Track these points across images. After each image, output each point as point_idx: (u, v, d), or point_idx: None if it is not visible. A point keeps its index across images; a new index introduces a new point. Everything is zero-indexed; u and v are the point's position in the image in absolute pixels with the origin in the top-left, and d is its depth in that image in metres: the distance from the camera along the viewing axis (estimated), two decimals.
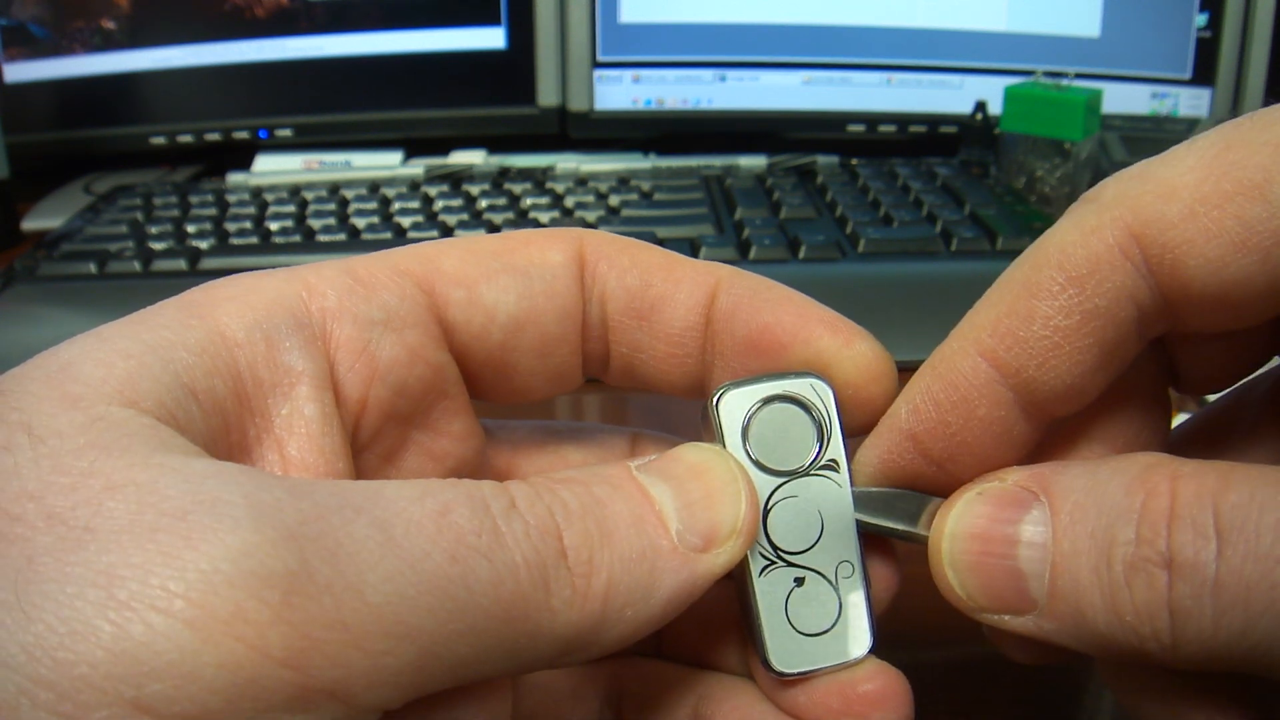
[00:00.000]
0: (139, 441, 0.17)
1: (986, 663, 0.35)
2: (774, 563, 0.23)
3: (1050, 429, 0.22)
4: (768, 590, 0.23)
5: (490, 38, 0.84)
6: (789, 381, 0.23)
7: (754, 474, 0.22)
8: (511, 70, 0.85)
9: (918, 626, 0.23)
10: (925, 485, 0.23)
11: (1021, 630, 0.20)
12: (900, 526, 0.23)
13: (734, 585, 0.23)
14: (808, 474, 0.23)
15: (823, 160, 0.78)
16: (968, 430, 0.21)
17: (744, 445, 0.23)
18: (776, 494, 0.23)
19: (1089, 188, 0.21)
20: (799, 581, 0.23)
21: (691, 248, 0.63)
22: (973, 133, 0.78)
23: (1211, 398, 0.25)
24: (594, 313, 0.24)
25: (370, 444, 0.23)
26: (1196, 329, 0.21)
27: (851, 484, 0.23)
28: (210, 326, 0.20)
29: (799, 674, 0.23)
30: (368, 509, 0.17)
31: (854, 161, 0.77)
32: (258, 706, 0.15)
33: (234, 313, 0.20)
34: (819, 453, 0.23)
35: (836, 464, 0.23)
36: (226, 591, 0.15)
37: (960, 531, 0.21)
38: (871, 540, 0.24)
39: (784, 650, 0.23)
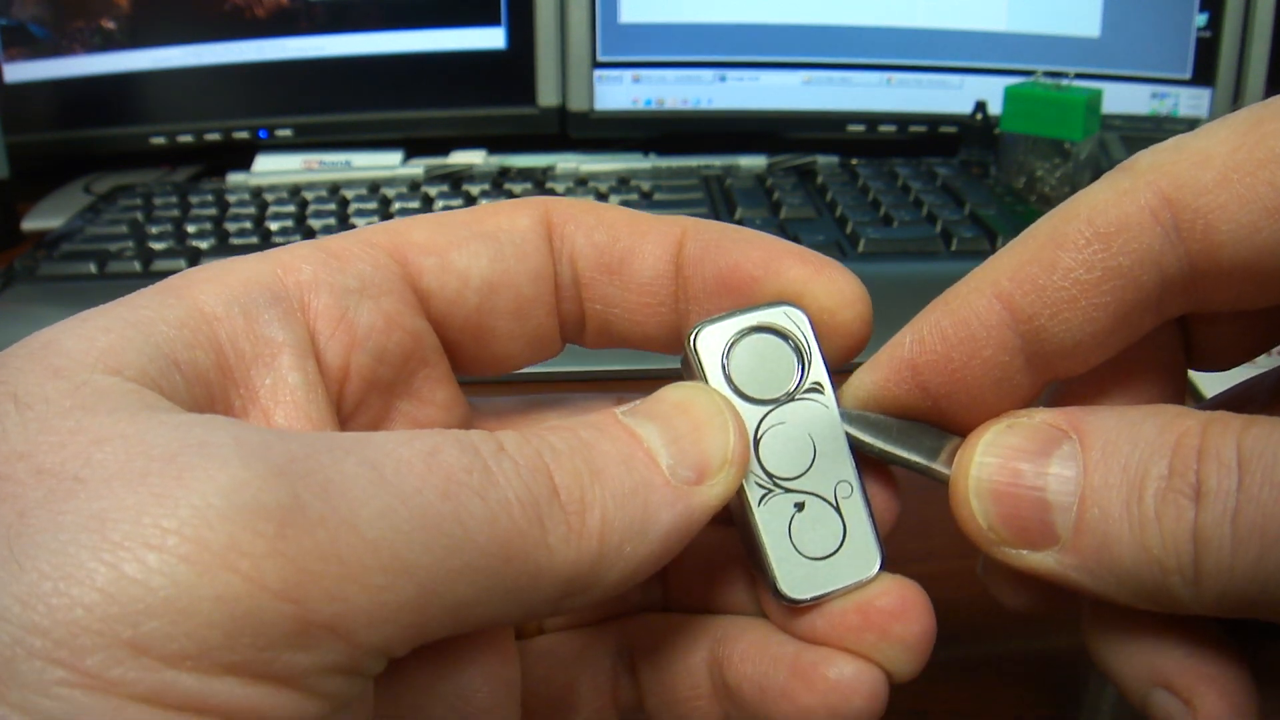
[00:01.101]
0: (124, 402, 0.17)
1: (987, 662, 0.35)
2: (771, 490, 0.22)
3: (1048, 390, 0.22)
4: (769, 519, 0.22)
5: (490, 38, 0.84)
6: (763, 312, 0.23)
7: (739, 405, 0.22)
8: (511, 70, 0.85)
9: None
10: (916, 418, 0.23)
11: (1038, 567, 0.20)
12: (918, 459, 0.22)
13: (734, 523, 0.23)
14: (793, 399, 0.23)
15: (823, 160, 0.78)
16: (969, 369, 0.21)
17: (726, 378, 0.23)
18: (765, 422, 0.23)
19: None
20: (799, 506, 0.23)
21: None
22: (973, 133, 0.78)
23: (1209, 395, 0.25)
24: (565, 272, 0.24)
25: (355, 413, 0.23)
26: (1218, 306, 0.21)
27: (838, 404, 0.23)
28: (189, 304, 0.20)
29: (812, 599, 0.22)
30: (356, 450, 0.17)
31: (854, 161, 0.77)
32: (258, 642, 0.15)
33: (211, 291, 0.21)
34: (801, 377, 0.23)
35: (820, 386, 0.23)
36: (220, 525, 0.15)
37: (989, 461, 0.21)
38: (867, 463, 0.23)
39: (794, 577, 0.22)
